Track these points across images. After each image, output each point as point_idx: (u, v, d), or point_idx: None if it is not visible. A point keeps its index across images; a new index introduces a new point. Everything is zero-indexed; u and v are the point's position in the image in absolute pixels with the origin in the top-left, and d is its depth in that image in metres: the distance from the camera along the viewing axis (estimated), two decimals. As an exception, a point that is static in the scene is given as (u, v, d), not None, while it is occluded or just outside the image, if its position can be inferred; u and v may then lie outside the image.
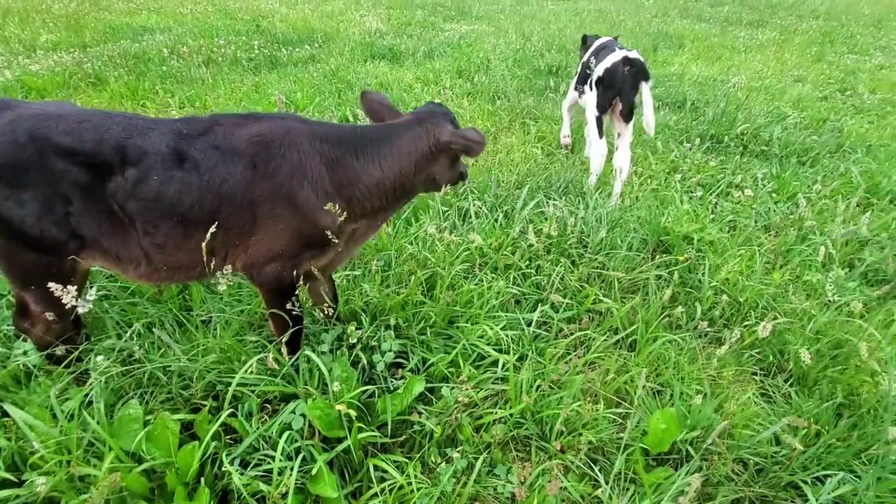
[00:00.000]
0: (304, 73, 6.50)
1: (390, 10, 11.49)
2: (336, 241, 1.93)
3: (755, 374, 2.55)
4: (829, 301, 2.81)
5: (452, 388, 2.15)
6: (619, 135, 3.87)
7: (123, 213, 1.72)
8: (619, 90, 3.67)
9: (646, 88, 3.69)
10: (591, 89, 3.83)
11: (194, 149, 1.75)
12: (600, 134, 3.82)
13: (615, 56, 3.66)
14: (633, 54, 3.66)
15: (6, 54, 6.66)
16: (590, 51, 4.16)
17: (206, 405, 1.99)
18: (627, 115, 3.77)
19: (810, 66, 8.12)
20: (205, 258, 1.84)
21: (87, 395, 1.93)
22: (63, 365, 2.01)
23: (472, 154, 2.04)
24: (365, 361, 2.24)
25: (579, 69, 4.21)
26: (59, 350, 1.95)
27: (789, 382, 2.49)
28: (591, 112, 3.83)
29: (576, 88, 4.27)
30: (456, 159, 2.09)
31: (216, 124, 1.82)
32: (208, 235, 1.75)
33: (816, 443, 2.07)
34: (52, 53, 6.67)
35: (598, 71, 3.74)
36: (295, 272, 1.99)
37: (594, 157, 3.88)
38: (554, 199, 3.55)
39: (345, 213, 1.92)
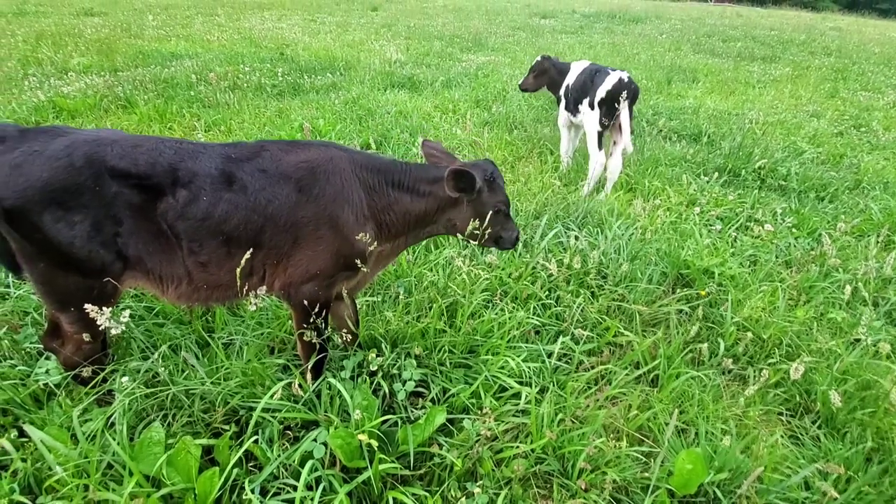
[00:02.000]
0: (326, 100, 6.67)
1: (409, 40, 11.83)
2: (366, 262, 1.99)
3: (781, 414, 2.49)
4: (856, 340, 2.76)
5: (474, 420, 2.12)
6: (614, 143, 4.30)
7: (171, 233, 1.78)
8: (619, 108, 4.06)
9: (630, 107, 4.11)
10: (593, 109, 4.20)
11: (243, 171, 1.83)
12: (600, 146, 4.25)
13: (613, 78, 4.06)
14: (626, 75, 4.10)
15: (39, 76, 6.92)
16: (576, 75, 4.52)
17: (227, 429, 1.98)
18: (623, 129, 4.18)
19: (824, 102, 8.18)
20: (243, 277, 1.89)
21: (109, 417, 1.93)
22: (89, 386, 2.02)
23: (447, 185, 2.02)
24: (386, 389, 2.23)
25: (569, 93, 4.58)
26: (86, 371, 1.97)
27: (817, 424, 2.42)
28: (593, 128, 4.23)
29: (567, 109, 4.65)
30: (483, 215, 2.11)
31: (263, 150, 1.91)
32: (247, 255, 1.81)
33: (847, 489, 2.00)
34: (84, 76, 6.92)
35: (600, 93, 4.11)
36: (329, 292, 2.04)
37: (594, 167, 4.27)
38: (573, 230, 3.57)
39: (375, 237, 1.99)
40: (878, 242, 3.65)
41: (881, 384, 2.43)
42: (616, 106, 4.04)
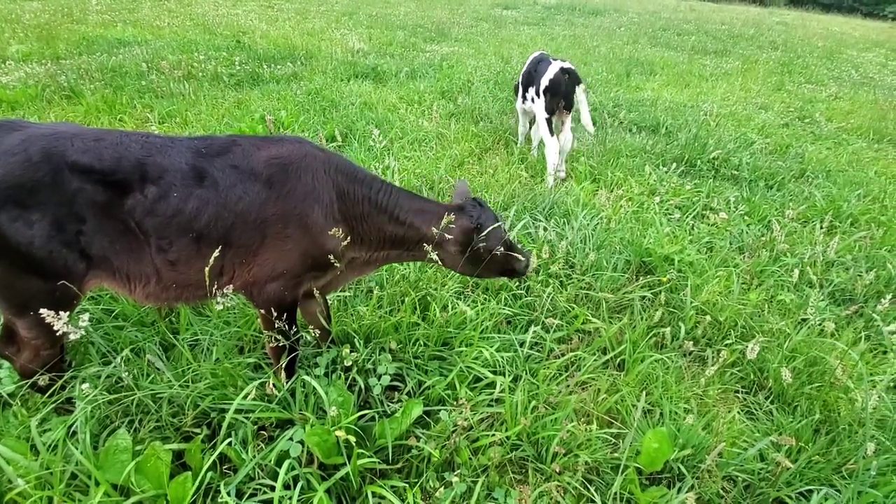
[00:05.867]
0: (288, 90, 6.48)
1: (371, 29, 11.61)
2: (337, 264, 1.95)
3: (738, 391, 2.65)
4: (803, 320, 2.95)
5: (450, 411, 2.15)
6: (562, 122, 4.58)
7: (140, 231, 1.71)
8: (562, 95, 4.42)
9: (579, 90, 4.48)
10: (539, 97, 4.48)
11: (214, 167, 1.77)
12: (551, 132, 4.47)
13: (554, 67, 4.39)
14: (567, 64, 4.45)
15: (-28, 64, 6.42)
16: (527, 64, 4.89)
17: (198, 433, 1.93)
18: (568, 110, 4.54)
19: (772, 95, 8.59)
20: (214, 276, 1.84)
21: (70, 426, 1.85)
22: (47, 394, 1.92)
23: (457, 235, 2.07)
24: (361, 385, 2.22)
25: (520, 82, 4.99)
26: (43, 379, 1.87)
27: (770, 399, 2.58)
28: (542, 115, 4.50)
29: (516, 94, 5.10)
30: (479, 258, 2.10)
31: (234, 144, 1.85)
32: (216, 253, 1.75)
33: (798, 459, 2.15)
34: (24, 65, 6.47)
35: (544, 82, 4.40)
36: (295, 293, 1.99)
37: (549, 154, 4.46)
38: (541, 221, 3.63)
39: (348, 238, 1.95)
40: (822, 228, 3.89)
41: (827, 360, 2.61)
42: (557, 94, 4.36)
